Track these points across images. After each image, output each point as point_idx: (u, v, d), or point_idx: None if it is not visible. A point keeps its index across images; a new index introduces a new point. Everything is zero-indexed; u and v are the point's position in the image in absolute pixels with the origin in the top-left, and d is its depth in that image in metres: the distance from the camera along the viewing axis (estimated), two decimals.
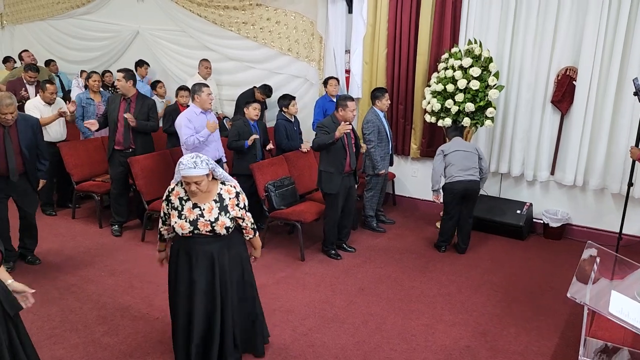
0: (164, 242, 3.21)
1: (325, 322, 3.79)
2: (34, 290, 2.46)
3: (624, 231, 5.01)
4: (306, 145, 5.83)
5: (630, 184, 4.56)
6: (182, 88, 6.19)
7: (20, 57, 8.47)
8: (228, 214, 2.89)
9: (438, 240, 5.17)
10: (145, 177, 5.23)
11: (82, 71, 7.81)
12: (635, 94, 4.13)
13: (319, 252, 5.04)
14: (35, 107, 5.60)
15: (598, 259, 2.84)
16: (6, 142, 4.15)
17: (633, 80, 4.25)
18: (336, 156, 4.70)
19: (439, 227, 5.64)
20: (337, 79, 6.27)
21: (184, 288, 2.94)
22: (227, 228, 2.89)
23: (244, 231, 3.10)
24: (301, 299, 4.12)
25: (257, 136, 5.31)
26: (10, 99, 4.03)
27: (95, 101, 6.15)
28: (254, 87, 6.96)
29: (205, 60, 7.25)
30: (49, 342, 3.45)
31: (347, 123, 4.56)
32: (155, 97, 7.35)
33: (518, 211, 5.43)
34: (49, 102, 5.68)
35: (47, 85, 5.67)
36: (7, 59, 9.05)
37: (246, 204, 3.02)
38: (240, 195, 2.97)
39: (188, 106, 6.03)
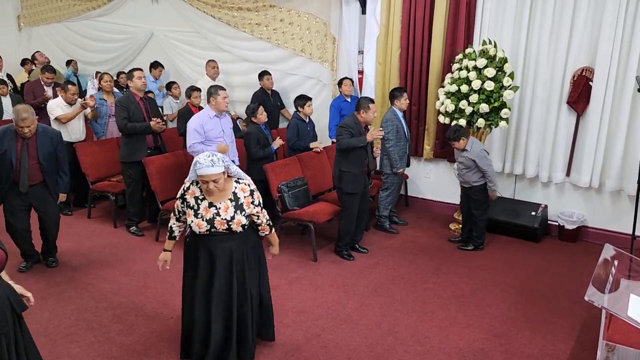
0: (173, 240, 3.19)
1: (338, 323, 3.78)
2: (30, 294, 2.52)
3: None
4: (317, 144, 5.83)
5: None
6: (194, 89, 6.20)
7: (34, 58, 8.59)
8: (244, 212, 2.93)
9: (478, 240, 5.12)
10: (159, 178, 5.27)
11: (97, 72, 7.92)
12: (639, 90, 4.08)
13: (332, 253, 5.04)
14: (57, 105, 5.80)
15: (616, 262, 2.80)
16: (22, 153, 4.18)
17: (636, 78, 4.20)
18: (359, 157, 4.74)
19: (453, 229, 5.63)
20: (352, 80, 6.28)
21: (202, 284, 2.98)
22: (243, 226, 2.95)
23: (260, 228, 3.14)
24: (314, 300, 4.12)
25: (282, 141, 5.34)
26: (27, 113, 4.04)
27: (108, 102, 6.20)
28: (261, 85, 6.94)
29: (212, 60, 7.27)
30: (65, 341, 3.49)
31: (380, 129, 4.66)
32: (169, 98, 7.42)
33: (533, 213, 5.38)
34: (70, 103, 5.85)
35: (69, 86, 5.84)
36: (25, 61, 9.20)
37: (261, 201, 3.07)
38: (254, 192, 3.02)
39: (200, 107, 6.08)
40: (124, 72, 8.08)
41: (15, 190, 4.27)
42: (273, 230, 3.22)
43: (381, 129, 4.68)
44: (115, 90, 7.10)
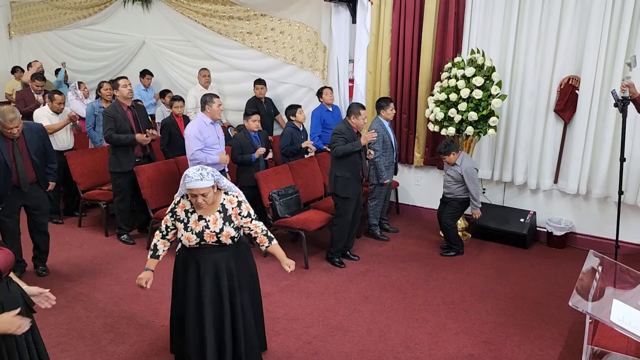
0: (156, 260, 3.03)
1: (329, 330, 3.81)
2: (48, 290, 2.52)
3: (629, 240, 5.05)
4: (308, 143, 5.93)
5: (620, 192, 4.51)
6: (176, 99, 6.24)
7: (29, 66, 8.58)
8: (232, 224, 2.92)
9: (456, 246, 5.23)
10: (150, 186, 5.28)
11: (79, 82, 7.92)
12: (616, 105, 4.12)
13: (323, 261, 5.07)
14: (44, 115, 5.74)
15: (600, 268, 2.86)
16: (15, 154, 4.20)
17: (612, 92, 4.26)
18: (353, 162, 4.78)
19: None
20: (331, 88, 6.30)
21: (192, 298, 2.96)
22: (232, 238, 2.93)
23: (257, 240, 3.07)
24: (305, 307, 4.15)
25: (264, 149, 5.36)
26: (14, 114, 4.03)
27: None
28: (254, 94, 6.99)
29: (204, 69, 7.30)
30: (56, 350, 3.49)
31: (373, 131, 4.71)
32: (162, 106, 7.44)
33: (521, 220, 5.44)
34: (57, 112, 5.80)
35: (56, 95, 5.79)
36: (15, 69, 9.17)
37: (251, 212, 3.03)
38: (242, 204, 3.00)
39: (184, 116, 6.13)
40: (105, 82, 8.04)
41: (9, 192, 4.26)
42: (275, 241, 3.10)
43: (374, 130, 4.73)
44: (87, 100, 7.09)
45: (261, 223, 3.08)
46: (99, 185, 6.00)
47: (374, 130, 4.74)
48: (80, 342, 3.59)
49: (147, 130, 5.37)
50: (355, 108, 4.79)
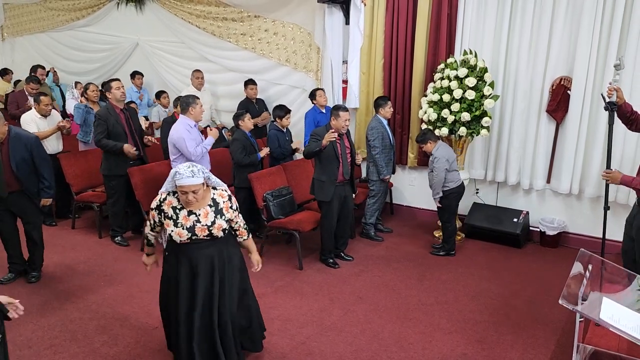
0: (152, 247, 3.28)
1: (323, 330, 3.81)
2: (18, 300, 2.49)
3: (621, 239, 5.06)
4: (297, 143, 5.99)
5: (606, 208, 4.47)
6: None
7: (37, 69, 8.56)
8: (223, 217, 2.97)
9: (448, 247, 5.23)
10: (144, 188, 5.27)
11: (76, 82, 7.89)
12: (606, 108, 4.08)
13: (317, 261, 5.08)
14: (32, 120, 5.62)
15: (590, 266, 2.88)
16: None
17: (602, 95, 4.24)
18: (328, 164, 4.77)
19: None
20: (323, 89, 6.31)
21: (185, 292, 2.97)
22: (223, 230, 2.98)
23: (237, 232, 3.18)
24: (299, 308, 4.15)
25: (268, 149, 5.38)
26: None
27: (94, 110, 6.18)
28: (245, 95, 7.00)
29: (197, 71, 7.28)
30: (49, 352, 3.48)
31: (333, 131, 4.63)
32: (158, 107, 7.43)
33: (515, 219, 5.47)
34: (44, 115, 5.69)
35: (42, 97, 5.67)
36: (5, 71, 9.09)
37: (237, 206, 3.12)
38: (232, 197, 3.08)
39: None
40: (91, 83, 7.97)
41: None
42: (250, 235, 3.28)
43: (334, 131, 4.67)
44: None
45: (241, 215, 3.17)
46: (92, 187, 5.98)
47: (333, 130, 4.66)
48: (73, 344, 3.58)
49: (146, 137, 5.36)
50: (334, 110, 4.76)
